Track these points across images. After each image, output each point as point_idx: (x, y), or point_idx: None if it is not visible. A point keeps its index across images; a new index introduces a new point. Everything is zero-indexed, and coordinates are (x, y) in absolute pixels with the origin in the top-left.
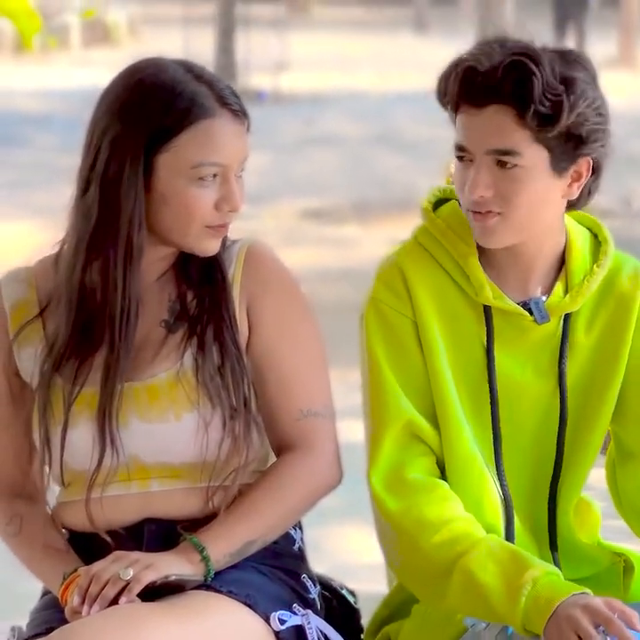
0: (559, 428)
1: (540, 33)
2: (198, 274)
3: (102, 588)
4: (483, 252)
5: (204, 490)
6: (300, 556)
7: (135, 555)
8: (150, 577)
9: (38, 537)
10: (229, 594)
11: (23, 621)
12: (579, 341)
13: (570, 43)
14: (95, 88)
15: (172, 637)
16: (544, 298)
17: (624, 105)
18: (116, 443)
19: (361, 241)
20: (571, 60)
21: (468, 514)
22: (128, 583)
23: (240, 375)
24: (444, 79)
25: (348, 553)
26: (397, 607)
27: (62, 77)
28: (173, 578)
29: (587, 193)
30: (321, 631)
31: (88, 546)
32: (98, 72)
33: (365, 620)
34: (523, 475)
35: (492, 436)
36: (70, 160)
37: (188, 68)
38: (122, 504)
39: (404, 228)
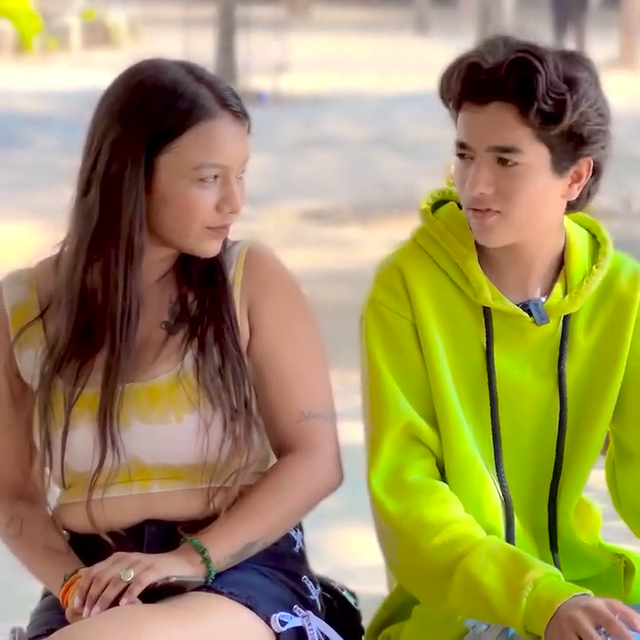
0: (559, 428)
1: (539, 34)
2: (199, 275)
3: (103, 590)
4: (482, 253)
5: (205, 491)
6: (301, 558)
7: (136, 556)
8: (151, 578)
9: (39, 538)
10: (230, 595)
11: (24, 623)
12: (578, 342)
13: (569, 44)
14: (95, 89)
15: (172, 639)
16: (543, 299)
17: (625, 105)
18: (117, 444)
19: (361, 242)
20: (574, 61)
21: (468, 515)
22: (129, 585)
23: (241, 376)
24: (447, 76)
25: (349, 554)
26: (398, 609)
27: (62, 78)
28: (174, 579)
29: (586, 194)
30: (322, 632)
31: (89, 547)
32: (98, 73)
33: (366, 622)
34: (523, 476)
35: (491, 437)
36: (71, 161)
37: (189, 69)
38: (122, 505)
39: (405, 229)
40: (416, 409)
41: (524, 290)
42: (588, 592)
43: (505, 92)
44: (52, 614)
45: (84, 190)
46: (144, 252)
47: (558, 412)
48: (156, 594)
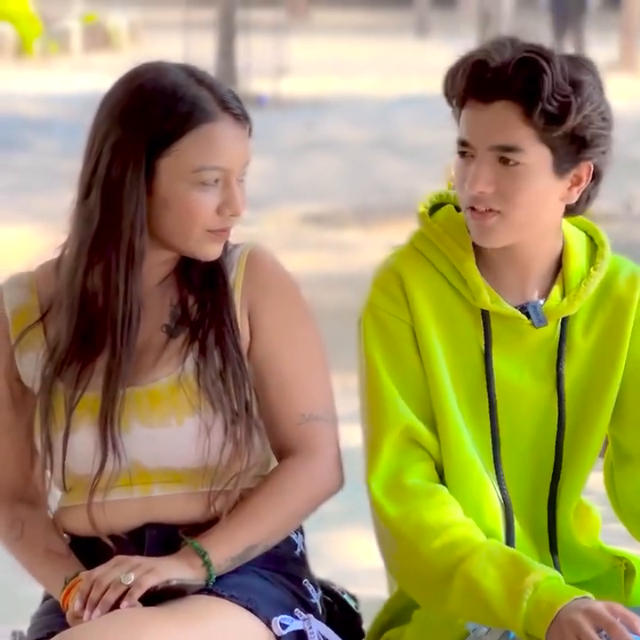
0: (558, 431)
1: (539, 36)
2: (200, 278)
3: (103, 593)
4: (480, 256)
5: (206, 494)
6: (302, 561)
7: (136, 559)
8: (151, 581)
9: (40, 541)
10: (231, 598)
11: (24, 626)
12: (576, 344)
13: (568, 46)
14: (96, 93)
15: None
16: (541, 301)
17: (625, 108)
18: (118, 447)
19: (362, 246)
20: (579, 64)
21: (468, 519)
22: (129, 588)
23: (241, 380)
24: (452, 73)
25: (349, 557)
26: (398, 612)
27: (63, 82)
28: (175, 582)
29: (585, 199)
30: (322, 636)
31: (89, 550)
32: (98, 77)
33: (367, 625)
34: (522, 478)
35: (490, 440)
36: (71, 164)
37: (190, 72)
38: (123, 509)
39: (406, 232)
40: (415, 412)
41: (522, 292)
42: (589, 595)
43: (510, 92)
44: (53, 617)
45: (85, 193)
46: (145, 255)
47: (557, 414)
48: (157, 597)
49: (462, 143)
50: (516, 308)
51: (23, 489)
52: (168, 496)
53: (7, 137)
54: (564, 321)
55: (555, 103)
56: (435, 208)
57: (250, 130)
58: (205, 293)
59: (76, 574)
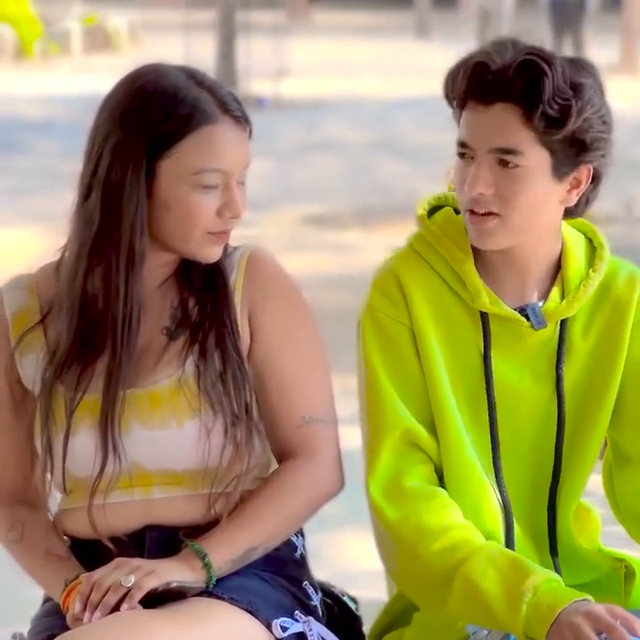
0: (557, 432)
1: (538, 38)
2: (200, 280)
3: (104, 595)
4: (478, 258)
5: (206, 496)
6: (302, 563)
7: (137, 561)
8: (152, 584)
9: (40, 544)
10: (231, 600)
11: (24, 628)
12: (576, 346)
13: (567, 47)
14: (96, 94)
15: None
16: (540, 303)
17: (626, 110)
18: (119, 450)
19: (363, 247)
20: (580, 67)
21: (468, 521)
22: (129, 590)
23: (241, 382)
24: (453, 74)
25: (350, 560)
26: (398, 615)
27: (63, 83)
28: (175, 585)
29: (585, 201)
30: (323, 638)
31: (90, 553)
32: (98, 78)
33: (367, 628)
34: (522, 481)
35: (490, 442)
36: (71, 166)
37: (190, 74)
38: (124, 511)
39: (406, 234)
40: (414, 415)
41: (521, 294)
42: (589, 597)
43: (511, 94)
44: (53, 620)
45: (85, 195)
46: (145, 257)
47: (556, 416)
48: (157, 599)
49: (462, 144)
50: (515, 309)
51: (23, 491)
52: (168, 498)
53: (7, 138)
54: (563, 323)
55: (555, 106)
56: (433, 210)
57: (250, 132)
58: (206, 295)
59: (77, 576)
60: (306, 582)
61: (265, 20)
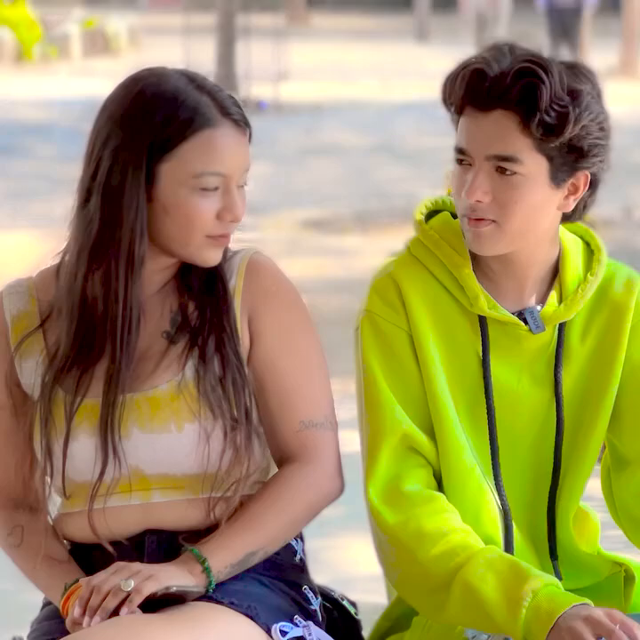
0: (556, 436)
1: (535, 41)
2: (200, 285)
3: (103, 600)
4: (476, 262)
5: (206, 501)
6: (302, 568)
7: (136, 566)
8: (151, 588)
9: (39, 548)
10: (231, 605)
11: (24, 632)
12: (574, 350)
13: (564, 50)
14: (95, 98)
15: None
16: (539, 307)
17: (625, 115)
18: (119, 454)
19: (362, 251)
20: (577, 73)
21: (466, 525)
22: (129, 594)
23: (241, 386)
24: (451, 81)
25: (349, 564)
26: (398, 619)
27: (63, 87)
28: (174, 589)
29: (582, 207)
30: None
31: (89, 557)
32: (98, 82)
33: (366, 632)
34: (521, 484)
35: (489, 446)
36: (70, 170)
37: (190, 77)
38: (123, 515)
39: (406, 238)
40: (413, 419)
41: (519, 298)
42: (588, 602)
43: (508, 101)
44: (53, 624)
45: (85, 199)
46: (145, 261)
47: (555, 419)
48: (157, 604)
49: (460, 151)
50: (513, 313)
51: (23, 495)
52: (168, 502)
53: (6, 142)
54: (562, 326)
55: (552, 114)
56: (431, 215)
57: (250, 135)
58: (205, 300)
59: (76, 581)
60: (305, 587)
61: (264, 23)
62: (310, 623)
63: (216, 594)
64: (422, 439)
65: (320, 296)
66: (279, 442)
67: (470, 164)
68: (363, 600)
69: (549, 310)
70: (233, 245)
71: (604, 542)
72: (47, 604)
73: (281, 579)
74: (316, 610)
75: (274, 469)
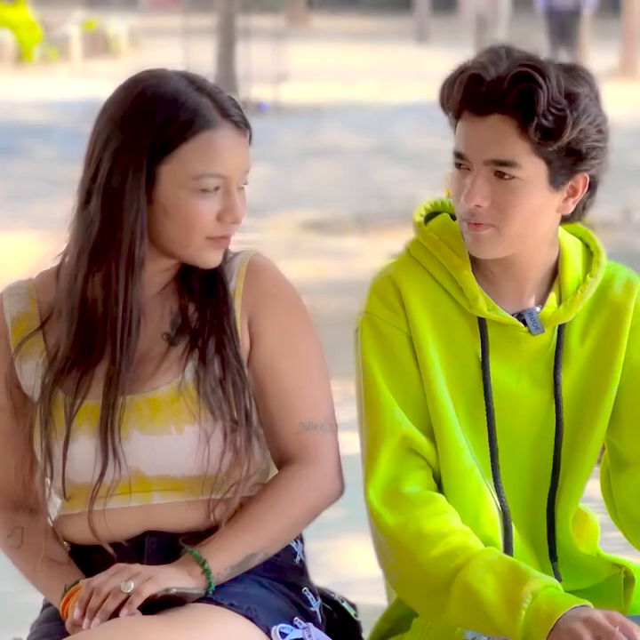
0: (556, 438)
1: (534, 43)
2: (200, 286)
3: (103, 601)
4: (476, 264)
5: (206, 502)
6: (301, 569)
7: (136, 567)
8: (151, 590)
9: (39, 549)
10: (230, 607)
11: (24, 634)
12: (573, 351)
13: (563, 53)
14: (96, 99)
15: None
16: (538, 308)
17: (625, 116)
18: (119, 456)
19: (362, 252)
20: (575, 75)
21: (466, 527)
22: (129, 596)
23: (241, 388)
24: (448, 84)
25: (349, 566)
26: (397, 621)
27: (63, 88)
28: (174, 591)
29: (581, 208)
30: None
31: (89, 558)
32: (98, 83)
33: (366, 634)
34: (520, 486)
35: (488, 447)
36: (70, 171)
37: (190, 79)
38: (123, 517)
39: (405, 239)
40: (412, 421)
41: (518, 300)
42: (588, 603)
43: (505, 106)
44: (53, 625)
45: (85, 200)
46: (145, 263)
47: (554, 421)
48: (157, 605)
49: (458, 155)
50: (512, 315)
51: (23, 497)
52: (168, 504)
53: (6, 143)
54: (561, 328)
55: (550, 117)
56: (430, 216)
57: (250, 137)
58: (205, 301)
59: (76, 582)
60: (305, 588)
61: (264, 25)
62: (310, 625)
63: (216, 595)
64: (422, 441)
65: (320, 297)
66: (279, 443)
67: (469, 169)
68: (362, 602)
69: (549, 312)
70: (233, 247)
71: (603, 544)
72: (47, 605)
73: (281, 580)
74: (315, 611)
75: (274, 471)
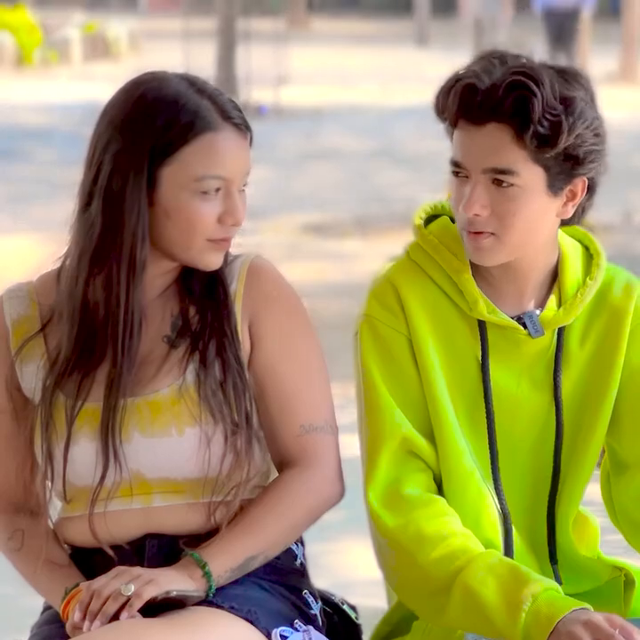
0: (556, 440)
1: (533, 46)
2: (201, 289)
3: (103, 604)
4: (476, 267)
5: (206, 505)
6: (302, 572)
7: (136, 570)
8: (151, 592)
9: (40, 552)
10: (231, 609)
11: (24, 636)
12: (573, 354)
13: (561, 56)
14: (96, 102)
15: None
16: (538, 311)
17: (625, 119)
18: (120, 458)
19: (362, 255)
20: (570, 79)
21: (466, 529)
22: (129, 599)
23: (242, 390)
24: (443, 94)
25: (350, 568)
26: (398, 623)
27: (63, 91)
28: (175, 593)
29: (580, 211)
30: None
31: (90, 561)
32: (98, 86)
33: (366, 636)
34: (521, 489)
35: (488, 450)
36: (71, 174)
37: (191, 81)
38: (124, 519)
39: (406, 242)
40: (412, 423)
41: (518, 303)
42: (588, 606)
43: (501, 114)
44: (53, 628)
45: (86, 203)
46: (146, 266)
47: (554, 423)
48: (157, 608)
49: (455, 164)
50: (512, 318)
51: (23, 499)
52: (168, 506)
53: (6, 146)
54: (561, 331)
55: (546, 124)
56: (430, 219)
57: (250, 139)
58: (206, 304)
59: (76, 585)
60: (306, 591)
61: (265, 27)
62: (310, 628)
63: (216, 598)
64: (422, 443)
65: (320, 300)
66: (279, 446)
67: (467, 177)
68: (363, 604)
69: (548, 315)
70: (233, 250)
71: (603, 547)
72: (47, 608)
73: (281, 583)
74: (316, 614)
75: (274, 474)
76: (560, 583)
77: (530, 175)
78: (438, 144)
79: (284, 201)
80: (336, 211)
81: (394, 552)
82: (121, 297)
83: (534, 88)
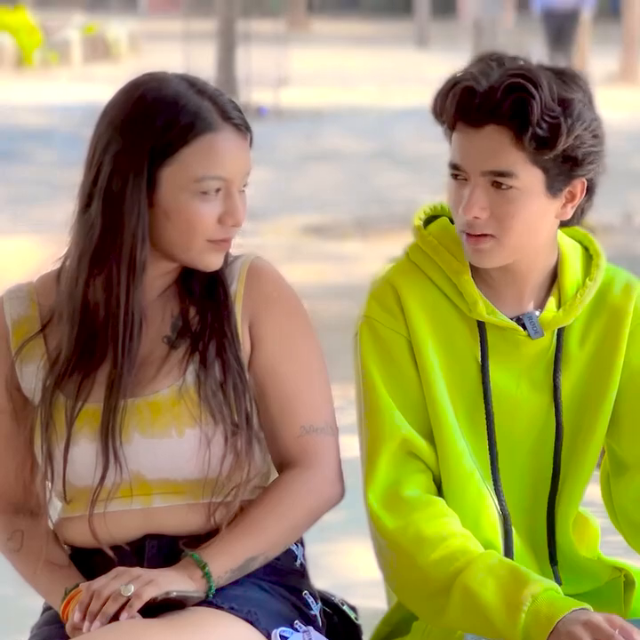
0: (556, 441)
1: (533, 47)
2: (201, 290)
3: (103, 605)
4: (475, 268)
5: (206, 506)
6: (302, 573)
7: (136, 571)
8: (151, 593)
9: (40, 552)
10: (231, 610)
11: (24, 637)
12: (573, 355)
13: (560, 58)
14: (96, 103)
15: None
16: (537, 312)
17: (625, 121)
18: (120, 458)
19: (362, 257)
20: (568, 80)
21: (466, 530)
22: (129, 599)
23: (242, 391)
24: (441, 97)
25: (350, 569)
26: (398, 624)
27: (63, 93)
28: (174, 594)
29: (580, 212)
30: None
31: (90, 562)
32: (98, 87)
33: (366, 637)
34: (520, 489)
35: (488, 451)
36: (71, 175)
37: (191, 82)
38: (124, 520)
39: (406, 243)
40: (412, 424)
41: (518, 304)
42: (587, 606)
43: (499, 117)
44: (53, 628)
45: (86, 204)
46: (146, 266)
47: (554, 424)
48: (157, 609)
49: (454, 167)
50: (512, 319)
51: (23, 500)
52: (168, 507)
53: (6, 147)
54: (560, 332)
55: (544, 126)
56: (429, 220)
57: (250, 140)
58: (206, 305)
59: (76, 585)
60: (306, 592)
61: (265, 29)
62: (310, 628)
63: (216, 599)
64: (422, 444)
65: (320, 302)
66: (280, 447)
67: (466, 179)
68: (363, 605)
69: (548, 316)
70: (233, 251)
71: (603, 547)
72: (47, 608)
73: (281, 584)
74: (316, 615)
75: (274, 474)
76: (560, 584)
77: (529, 177)
78: (438, 146)
79: (283, 202)
80: (336, 212)
81: (393, 553)
82: (121, 298)
83: (532, 90)
